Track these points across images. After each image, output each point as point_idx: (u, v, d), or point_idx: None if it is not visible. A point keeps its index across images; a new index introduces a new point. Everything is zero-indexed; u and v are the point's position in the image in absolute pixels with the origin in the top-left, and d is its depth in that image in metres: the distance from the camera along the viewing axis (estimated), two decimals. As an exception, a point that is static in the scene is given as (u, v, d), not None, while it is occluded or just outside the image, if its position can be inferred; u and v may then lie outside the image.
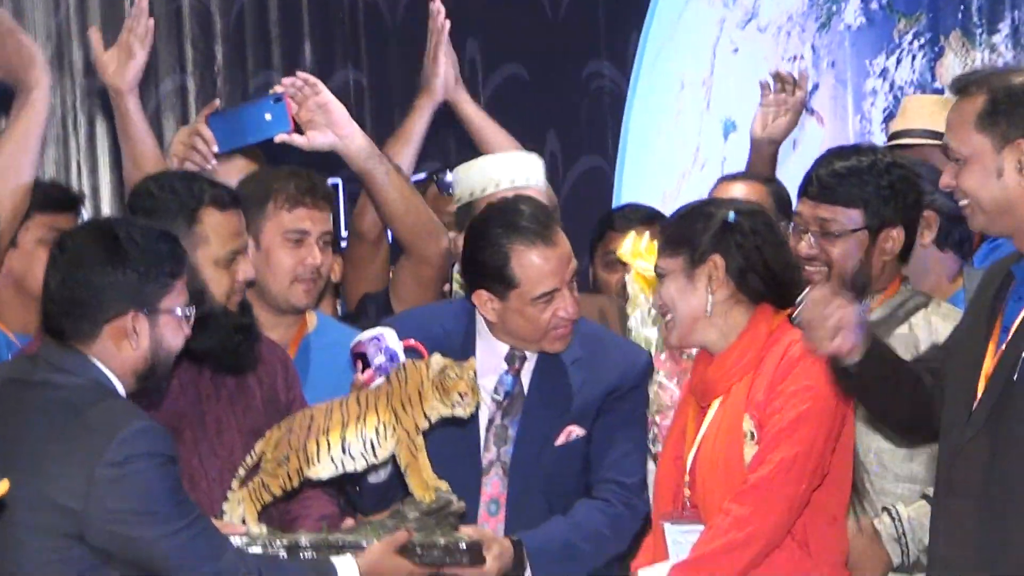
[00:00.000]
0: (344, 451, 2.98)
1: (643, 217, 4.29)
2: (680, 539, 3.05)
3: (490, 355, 3.30)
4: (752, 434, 3.01)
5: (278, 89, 3.70)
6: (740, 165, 4.60)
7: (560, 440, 3.28)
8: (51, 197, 3.66)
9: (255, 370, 3.20)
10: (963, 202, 2.80)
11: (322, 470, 3.00)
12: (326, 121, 3.66)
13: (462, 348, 3.27)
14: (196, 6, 5.24)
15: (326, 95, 3.70)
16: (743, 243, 3.04)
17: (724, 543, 2.95)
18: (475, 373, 2.99)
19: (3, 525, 2.57)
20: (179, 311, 2.80)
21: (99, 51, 3.63)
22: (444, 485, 3.00)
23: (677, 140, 5.75)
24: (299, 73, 3.79)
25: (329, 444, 2.97)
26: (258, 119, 3.60)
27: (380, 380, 3.09)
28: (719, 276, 3.03)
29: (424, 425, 2.99)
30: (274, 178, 3.55)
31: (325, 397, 3.32)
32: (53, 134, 5.02)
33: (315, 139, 3.65)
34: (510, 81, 5.59)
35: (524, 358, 3.31)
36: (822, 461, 3.01)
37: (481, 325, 3.33)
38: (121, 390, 2.76)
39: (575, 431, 3.28)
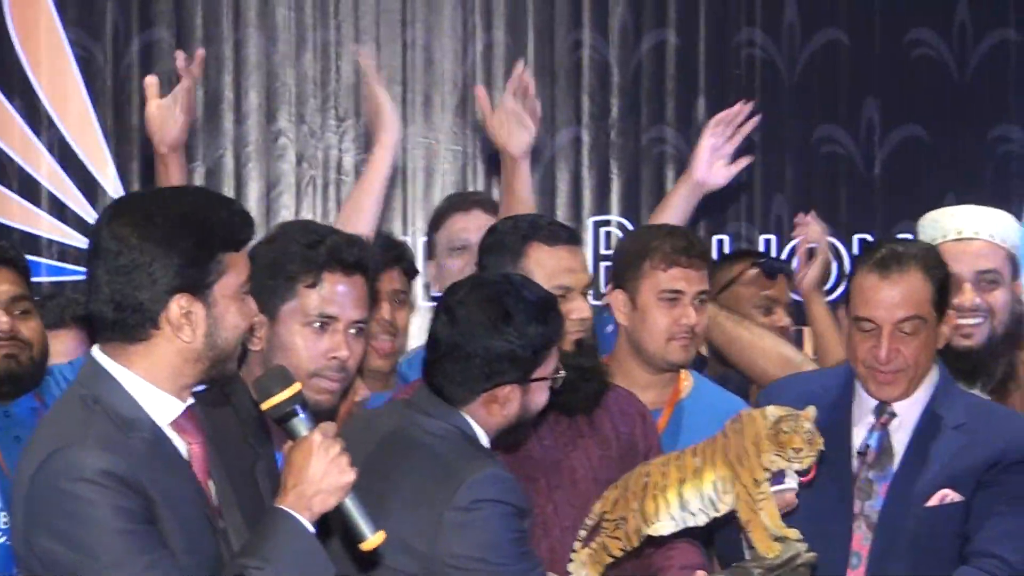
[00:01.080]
0: (683, 508, 2.91)
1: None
2: None
3: (860, 409, 3.25)
4: None
5: None
6: None
7: (932, 502, 3.17)
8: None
9: (587, 413, 3.18)
10: None
11: (662, 527, 2.93)
12: None
13: (837, 402, 3.24)
14: (595, 58, 5.34)
15: None
16: None
17: None
18: (813, 424, 2.87)
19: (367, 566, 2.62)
20: (549, 378, 2.81)
21: (487, 112, 3.73)
22: (793, 534, 2.89)
23: None
24: None
25: (668, 502, 2.90)
26: None
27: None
28: None
29: (763, 477, 2.88)
30: (651, 236, 3.57)
31: None
32: (452, 180, 5.22)
33: None
34: (909, 142, 5.45)
35: (893, 414, 3.23)
36: None
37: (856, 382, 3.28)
38: (484, 439, 2.79)
39: (950, 495, 3.18)
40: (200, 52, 3.73)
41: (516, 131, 3.71)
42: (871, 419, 3.24)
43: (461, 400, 2.78)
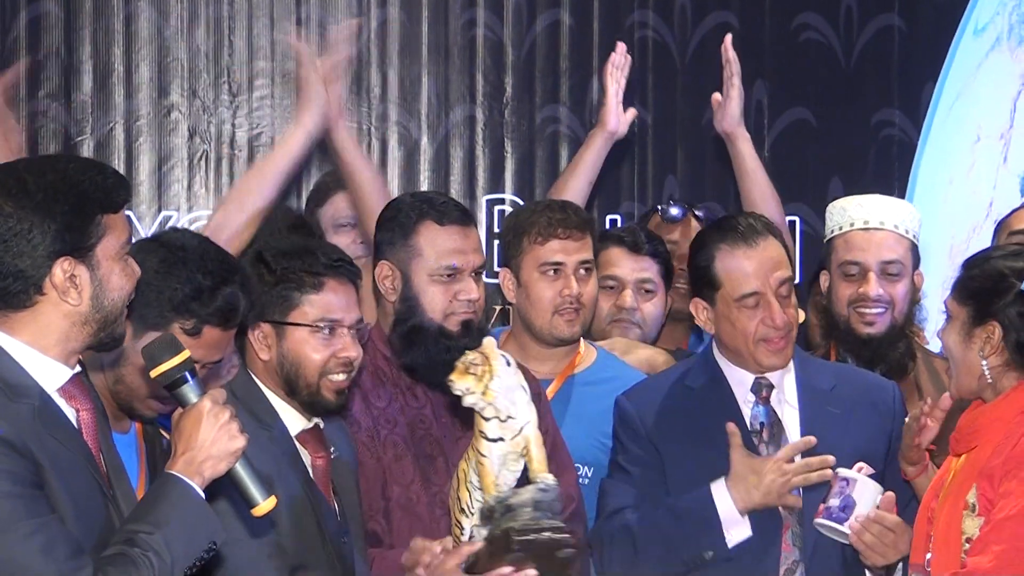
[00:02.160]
0: (478, 487, 2.83)
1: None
2: None
3: (740, 388, 3.23)
4: (974, 506, 2.85)
5: None
6: (1035, 224, 4.30)
7: None
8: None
9: None
10: None
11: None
12: None
13: (713, 384, 3.22)
14: (490, 37, 5.33)
15: None
16: None
17: None
18: (483, 354, 2.75)
19: None
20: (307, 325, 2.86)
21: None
22: (547, 478, 2.79)
23: (969, 193, 5.49)
24: None
25: (472, 484, 2.84)
26: None
27: (824, 521, 3.04)
28: (994, 343, 2.91)
29: (490, 431, 2.77)
30: (529, 211, 3.57)
31: (583, 434, 3.38)
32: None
33: None
34: (797, 125, 5.52)
35: (771, 386, 3.23)
36: None
37: (724, 361, 3.26)
38: (276, 401, 2.89)
39: (866, 468, 3.16)
40: None
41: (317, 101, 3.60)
42: (751, 397, 3.23)
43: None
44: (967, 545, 2.84)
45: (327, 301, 2.85)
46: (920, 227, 3.62)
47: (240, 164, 5.18)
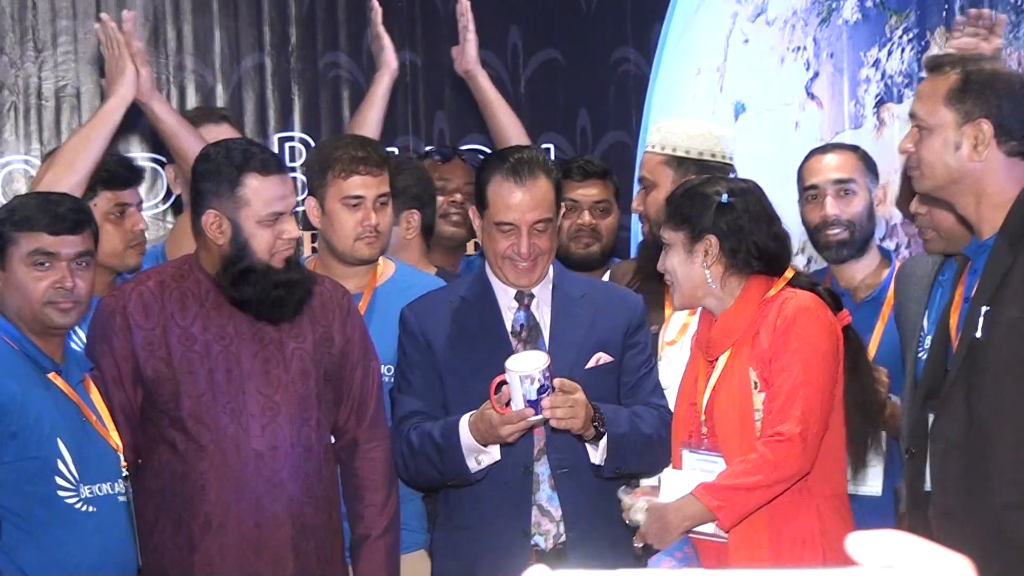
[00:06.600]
0: None
1: (595, 171, 4.26)
2: (697, 465, 3.09)
3: (504, 297, 3.37)
4: (756, 383, 3.04)
5: None
6: (749, 144, 4.67)
7: (590, 364, 3.29)
8: (116, 174, 3.68)
9: (291, 320, 3.26)
10: (914, 169, 2.77)
11: None
12: None
13: (482, 297, 3.33)
14: (273, -10, 5.35)
15: None
16: (735, 223, 3.06)
17: (752, 482, 2.98)
18: None
19: None
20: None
21: (109, 79, 3.57)
22: None
23: (693, 119, 5.31)
24: None
25: None
26: None
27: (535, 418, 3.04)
28: (714, 253, 3.07)
29: None
30: (332, 148, 3.62)
31: (389, 337, 3.49)
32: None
33: None
34: (547, 64, 5.63)
35: (532, 296, 3.35)
36: (828, 408, 3.03)
37: (492, 277, 3.37)
38: None
39: (603, 357, 3.30)
40: None
41: (133, 80, 3.54)
42: (514, 304, 3.34)
43: None
44: (759, 415, 3.02)
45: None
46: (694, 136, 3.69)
47: (48, 112, 5.11)
